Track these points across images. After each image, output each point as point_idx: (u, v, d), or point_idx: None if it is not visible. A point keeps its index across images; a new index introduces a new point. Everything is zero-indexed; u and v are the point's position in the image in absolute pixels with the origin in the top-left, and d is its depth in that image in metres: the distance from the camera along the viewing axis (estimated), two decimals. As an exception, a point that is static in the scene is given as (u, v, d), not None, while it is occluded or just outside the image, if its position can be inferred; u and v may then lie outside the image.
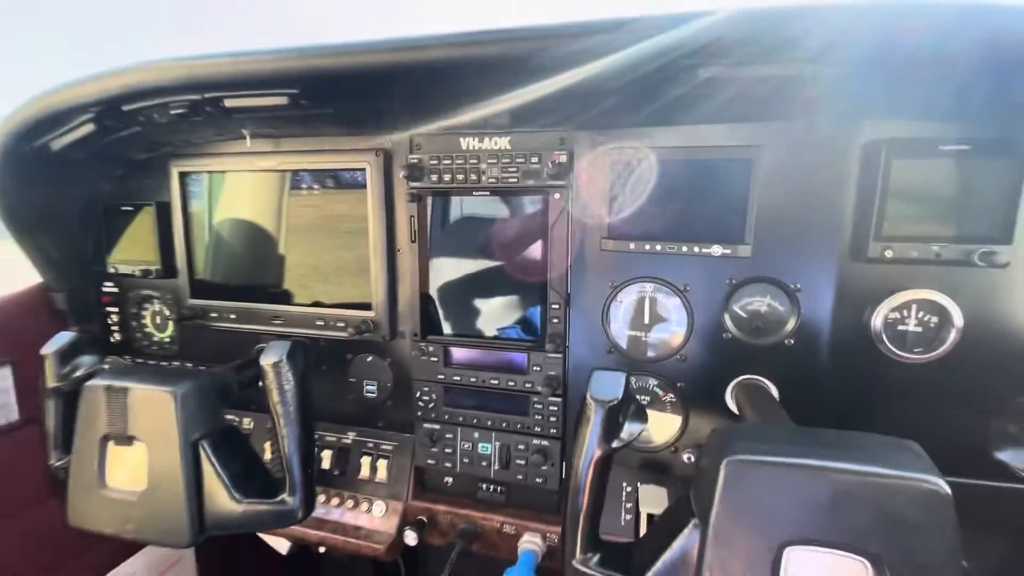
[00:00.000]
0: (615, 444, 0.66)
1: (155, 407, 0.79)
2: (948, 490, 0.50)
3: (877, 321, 0.80)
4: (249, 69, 0.80)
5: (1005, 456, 0.59)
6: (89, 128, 0.98)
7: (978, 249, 0.74)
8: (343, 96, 0.88)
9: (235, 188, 1.15)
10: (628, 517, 0.99)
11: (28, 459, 1.19)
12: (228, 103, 0.89)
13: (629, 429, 0.66)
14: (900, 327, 0.80)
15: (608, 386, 0.66)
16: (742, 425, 0.84)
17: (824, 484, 0.52)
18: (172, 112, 0.93)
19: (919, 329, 0.79)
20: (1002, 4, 0.55)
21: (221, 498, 0.80)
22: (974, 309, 0.77)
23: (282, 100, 0.86)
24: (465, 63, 0.72)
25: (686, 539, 0.58)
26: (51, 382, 0.92)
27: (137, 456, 0.81)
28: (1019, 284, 0.75)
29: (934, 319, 0.78)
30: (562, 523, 0.68)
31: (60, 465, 0.92)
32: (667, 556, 0.59)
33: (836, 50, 0.62)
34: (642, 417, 0.68)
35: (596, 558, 0.65)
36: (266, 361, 0.81)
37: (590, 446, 0.65)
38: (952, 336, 0.77)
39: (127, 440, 0.81)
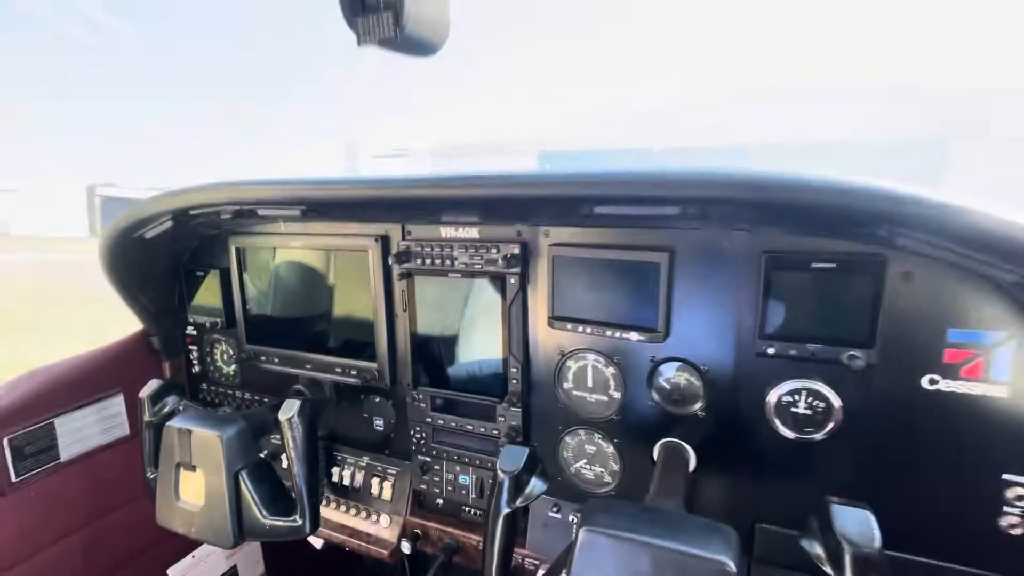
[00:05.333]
0: (519, 502, 0.85)
1: (209, 446, 1.08)
2: (733, 568, 0.64)
3: (771, 403, 0.92)
4: (268, 195, 1.06)
5: (805, 543, 0.70)
6: (168, 224, 1.31)
7: (846, 351, 0.84)
8: (337, 209, 1.12)
9: (278, 258, 1.44)
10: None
11: (138, 464, 1.57)
12: (260, 212, 1.17)
13: (530, 491, 0.85)
14: (792, 409, 0.91)
15: (512, 459, 0.85)
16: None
17: (643, 554, 0.69)
18: (222, 216, 1.22)
19: (808, 412, 0.90)
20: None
21: (253, 514, 1.08)
22: (852, 397, 0.87)
23: (295, 212, 1.12)
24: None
25: (558, 584, 0.77)
26: (147, 417, 1.26)
27: (198, 479, 1.10)
28: (886, 378, 0.84)
29: (821, 404, 0.89)
30: (482, 562, 0.88)
31: (153, 477, 1.26)
32: None
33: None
34: (544, 479, 0.87)
35: (504, 589, 0.85)
36: (282, 416, 1.09)
37: (499, 506, 0.84)
38: (833, 420, 0.88)
39: (192, 467, 1.11)
